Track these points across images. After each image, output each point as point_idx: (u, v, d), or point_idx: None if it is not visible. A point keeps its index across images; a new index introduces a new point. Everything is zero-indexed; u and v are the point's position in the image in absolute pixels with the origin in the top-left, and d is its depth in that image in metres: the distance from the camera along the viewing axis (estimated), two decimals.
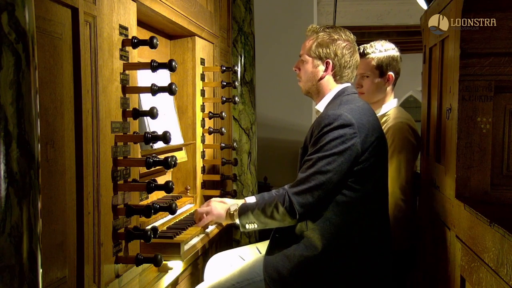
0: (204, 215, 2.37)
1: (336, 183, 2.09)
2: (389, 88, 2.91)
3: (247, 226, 2.25)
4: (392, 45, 2.92)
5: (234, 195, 2.96)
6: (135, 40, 1.83)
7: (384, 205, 2.30)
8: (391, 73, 2.87)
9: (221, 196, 2.86)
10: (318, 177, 2.08)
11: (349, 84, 2.35)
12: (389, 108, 2.89)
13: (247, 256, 2.64)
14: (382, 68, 2.85)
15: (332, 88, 2.33)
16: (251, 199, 2.38)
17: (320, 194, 2.09)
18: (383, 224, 2.27)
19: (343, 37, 2.31)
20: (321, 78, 2.32)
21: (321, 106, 2.33)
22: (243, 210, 2.26)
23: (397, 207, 2.66)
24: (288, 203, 2.11)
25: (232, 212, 2.31)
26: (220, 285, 2.29)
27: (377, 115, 2.40)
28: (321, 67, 2.32)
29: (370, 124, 2.17)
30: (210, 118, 2.92)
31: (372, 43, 2.92)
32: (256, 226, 2.24)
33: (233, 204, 2.35)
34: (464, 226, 1.87)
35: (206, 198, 2.89)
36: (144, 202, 2.14)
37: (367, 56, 2.86)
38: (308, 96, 2.43)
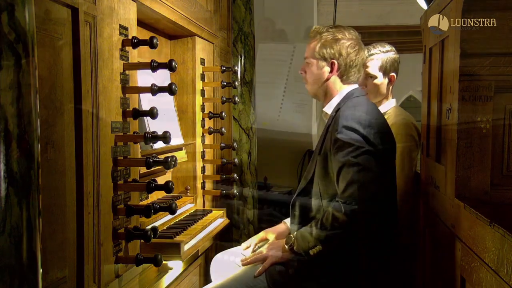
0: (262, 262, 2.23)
1: None
2: (390, 89, 2.95)
3: (310, 252, 2.12)
4: (392, 47, 2.97)
5: (235, 196, 2.95)
6: (135, 40, 1.83)
7: (394, 204, 2.29)
8: (393, 74, 2.92)
9: (221, 196, 2.86)
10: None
11: (356, 86, 2.34)
12: (388, 107, 2.94)
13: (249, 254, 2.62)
14: (385, 69, 2.89)
15: (339, 89, 2.31)
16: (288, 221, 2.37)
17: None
18: (391, 220, 2.26)
19: (347, 36, 2.30)
20: (327, 79, 2.31)
21: (329, 108, 2.32)
22: (301, 238, 2.14)
23: (402, 200, 2.68)
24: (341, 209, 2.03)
25: (288, 248, 2.19)
26: None
27: None
28: (326, 68, 2.30)
29: (384, 132, 2.20)
30: (210, 118, 2.92)
31: (374, 44, 2.95)
32: (320, 247, 2.09)
33: (286, 237, 2.24)
34: (464, 226, 1.86)
35: (206, 198, 2.89)
36: (144, 202, 2.13)
37: (371, 56, 2.89)
38: (315, 98, 2.43)
